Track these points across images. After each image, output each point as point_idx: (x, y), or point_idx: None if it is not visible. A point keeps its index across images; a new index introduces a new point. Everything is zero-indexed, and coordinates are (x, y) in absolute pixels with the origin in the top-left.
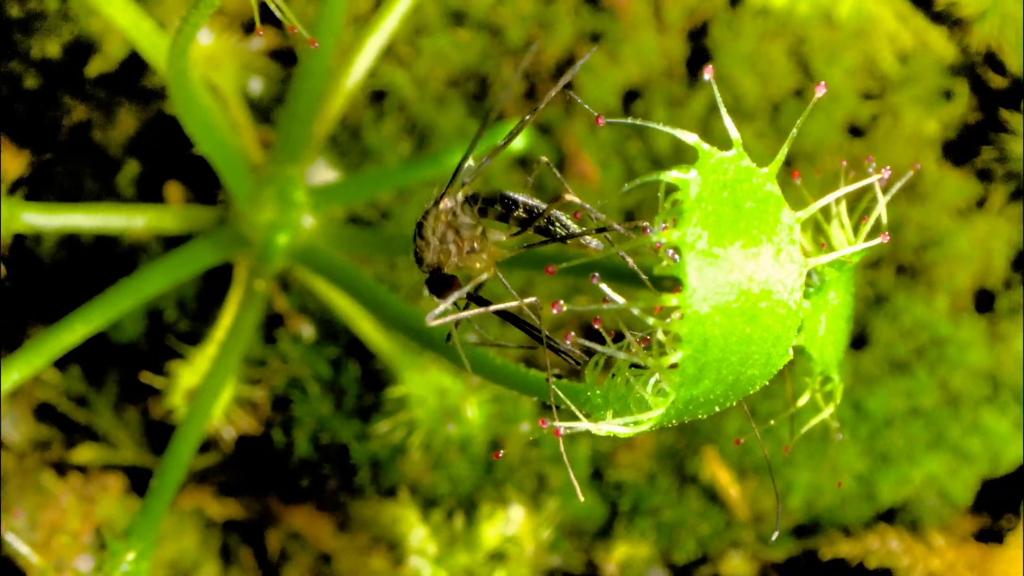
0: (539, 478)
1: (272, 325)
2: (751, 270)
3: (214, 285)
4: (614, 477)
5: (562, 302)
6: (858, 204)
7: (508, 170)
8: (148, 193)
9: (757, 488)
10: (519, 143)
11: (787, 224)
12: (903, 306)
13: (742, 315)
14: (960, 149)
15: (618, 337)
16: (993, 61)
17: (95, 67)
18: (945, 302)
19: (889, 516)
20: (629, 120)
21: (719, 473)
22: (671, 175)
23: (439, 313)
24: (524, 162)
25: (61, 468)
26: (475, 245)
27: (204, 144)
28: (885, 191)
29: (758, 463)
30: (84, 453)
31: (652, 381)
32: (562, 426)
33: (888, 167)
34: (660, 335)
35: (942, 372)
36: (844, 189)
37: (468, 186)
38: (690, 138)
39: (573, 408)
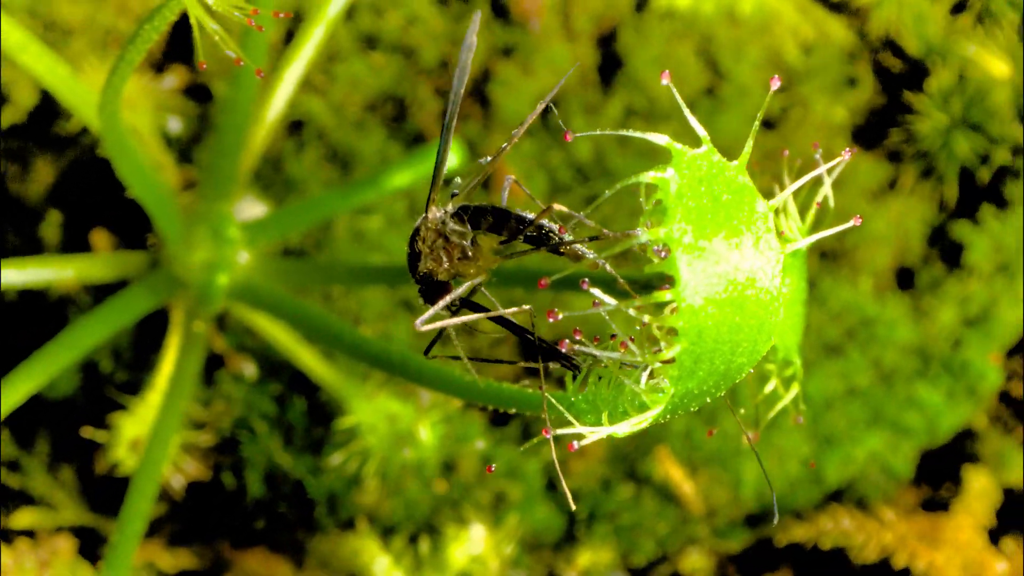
0: (496, 494)
1: (212, 366)
2: (736, 260)
3: (149, 331)
4: (569, 486)
5: (557, 310)
6: (794, 194)
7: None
8: (74, 243)
9: (709, 482)
10: (452, 160)
11: (762, 213)
12: (829, 290)
13: (731, 304)
14: (869, 133)
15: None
16: (892, 46)
17: (5, 117)
18: (869, 283)
19: (837, 497)
20: (610, 132)
21: (672, 471)
22: (650, 176)
23: (428, 318)
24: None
25: (6, 536)
26: (467, 252)
27: (136, 187)
28: (801, 178)
29: (708, 457)
30: (24, 518)
31: (645, 379)
32: (568, 431)
33: (818, 151)
34: (655, 332)
35: (874, 351)
36: (800, 181)
37: (457, 199)
38: (661, 140)
39: (569, 416)
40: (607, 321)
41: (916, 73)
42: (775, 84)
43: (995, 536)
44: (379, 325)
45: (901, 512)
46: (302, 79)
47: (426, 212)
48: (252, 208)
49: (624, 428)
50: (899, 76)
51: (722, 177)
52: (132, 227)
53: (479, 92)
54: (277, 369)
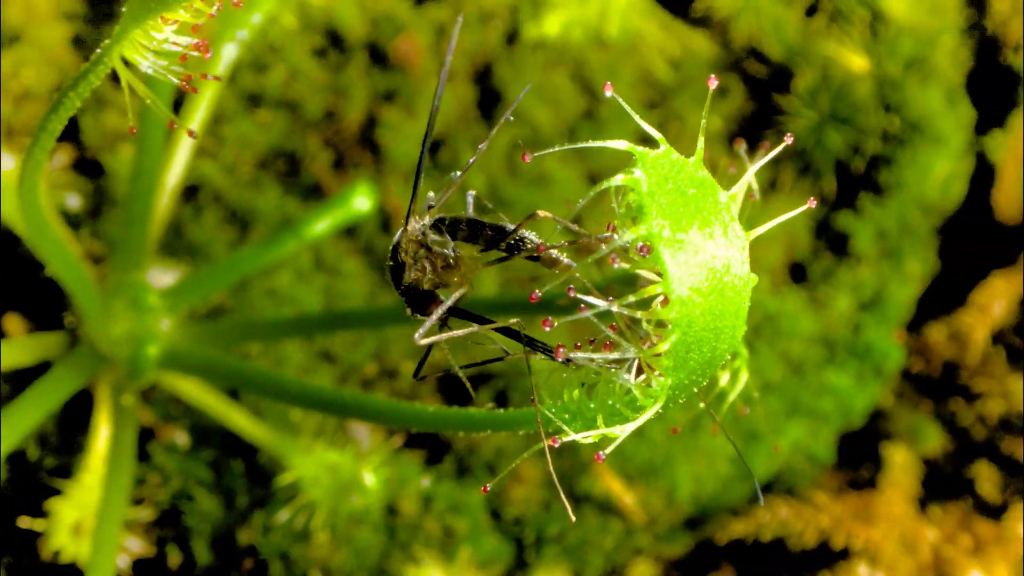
0: (443, 529)
1: (142, 440)
2: (712, 249)
3: (73, 412)
4: (512, 513)
5: (552, 318)
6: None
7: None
8: None
9: (645, 492)
10: (366, 205)
11: (724, 203)
12: None
13: (714, 292)
14: (745, 138)
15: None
16: (756, 53)
17: None
18: (766, 280)
19: (767, 489)
20: (568, 147)
21: (612, 483)
22: (619, 179)
23: (427, 330)
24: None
25: None
26: (449, 261)
27: (55, 264)
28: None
29: (640, 468)
30: None
31: (635, 378)
32: (580, 436)
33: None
34: (646, 327)
35: (781, 345)
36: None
37: (433, 210)
38: (621, 145)
39: (566, 428)
40: (596, 325)
41: (782, 76)
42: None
43: (922, 506)
44: (302, 379)
45: (833, 495)
46: (196, 143)
47: (405, 224)
48: (163, 276)
49: (629, 428)
50: (766, 81)
51: (684, 173)
52: (45, 308)
53: (367, 139)
54: (209, 435)
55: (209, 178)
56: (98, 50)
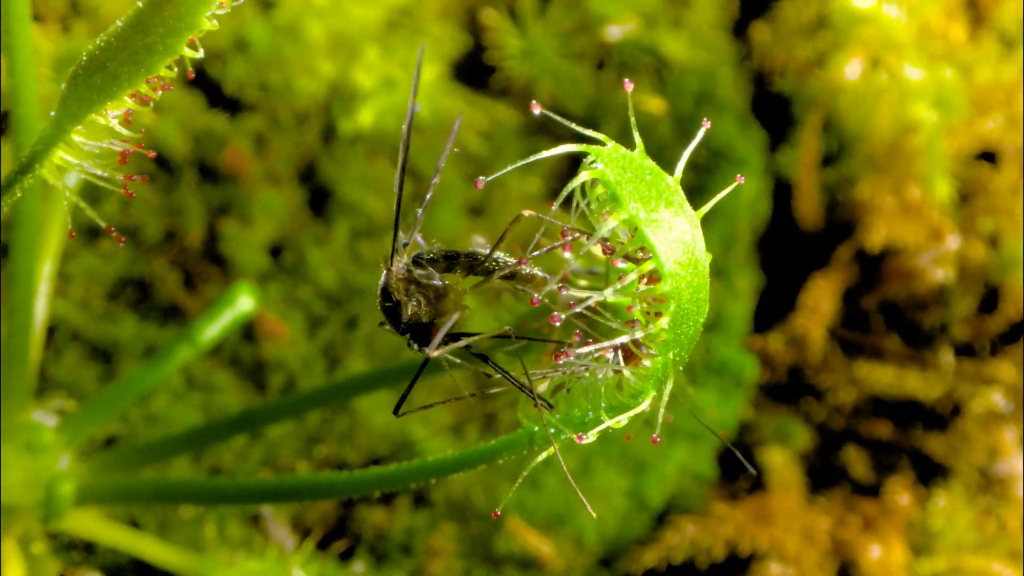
0: None
1: None
2: (681, 225)
3: None
4: None
5: (560, 313)
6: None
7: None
8: None
9: (556, 541)
10: (250, 304)
11: (674, 186)
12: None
13: (690, 265)
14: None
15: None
16: (560, 112)
17: None
18: None
19: (664, 515)
20: (519, 163)
21: (527, 536)
22: (585, 175)
23: (438, 344)
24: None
25: None
26: (439, 291)
27: None
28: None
29: (546, 518)
30: None
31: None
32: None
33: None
34: (639, 308)
35: None
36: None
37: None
38: (572, 148)
39: (564, 431)
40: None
41: (589, 128)
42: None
43: (809, 499)
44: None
45: (730, 504)
46: (53, 284)
47: (389, 266)
48: (45, 419)
49: (634, 412)
50: (574, 136)
51: (636, 163)
52: None
53: (211, 253)
54: (123, 571)
55: (64, 317)
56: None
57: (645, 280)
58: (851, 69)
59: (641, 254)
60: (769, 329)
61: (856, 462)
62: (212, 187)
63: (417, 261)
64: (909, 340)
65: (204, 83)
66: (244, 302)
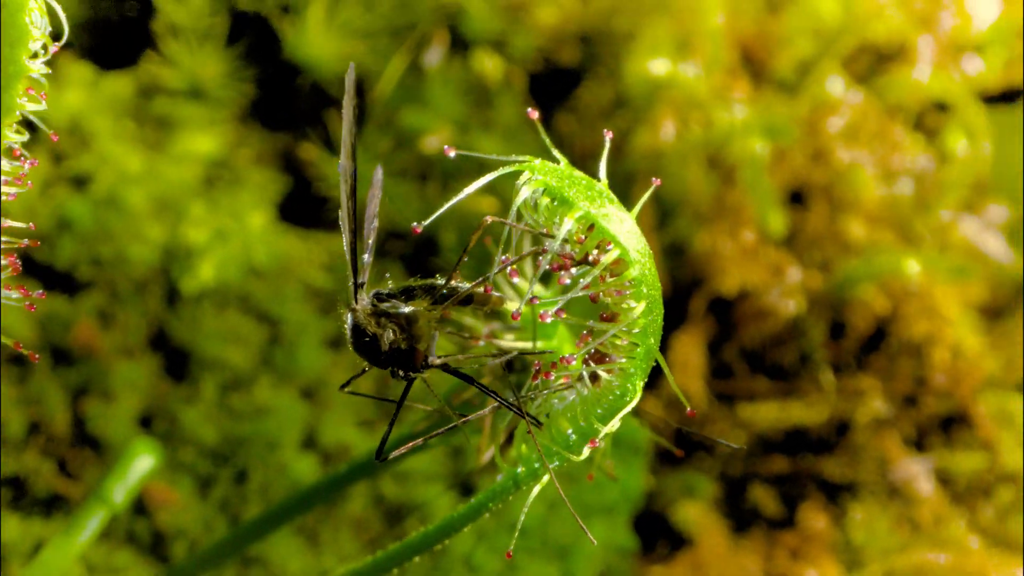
0: None
1: None
2: (627, 219)
3: None
4: None
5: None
6: None
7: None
8: None
9: None
10: (151, 462)
11: (606, 190)
12: None
13: (647, 255)
14: None
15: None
16: (393, 232)
17: None
18: None
19: None
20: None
21: None
22: (526, 193)
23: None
24: None
25: None
26: (410, 317)
27: None
28: None
29: None
30: None
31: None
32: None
33: None
34: (611, 300)
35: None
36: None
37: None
38: (502, 171)
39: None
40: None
41: (428, 239)
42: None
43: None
44: None
45: (665, 566)
46: None
47: (354, 304)
48: None
49: (626, 410)
50: (410, 256)
51: (567, 171)
52: None
53: (82, 436)
54: None
55: None
56: None
57: (609, 275)
58: (665, 131)
59: (597, 252)
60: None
61: (765, 500)
62: (68, 369)
63: (378, 296)
64: (777, 376)
65: (35, 269)
66: (145, 461)
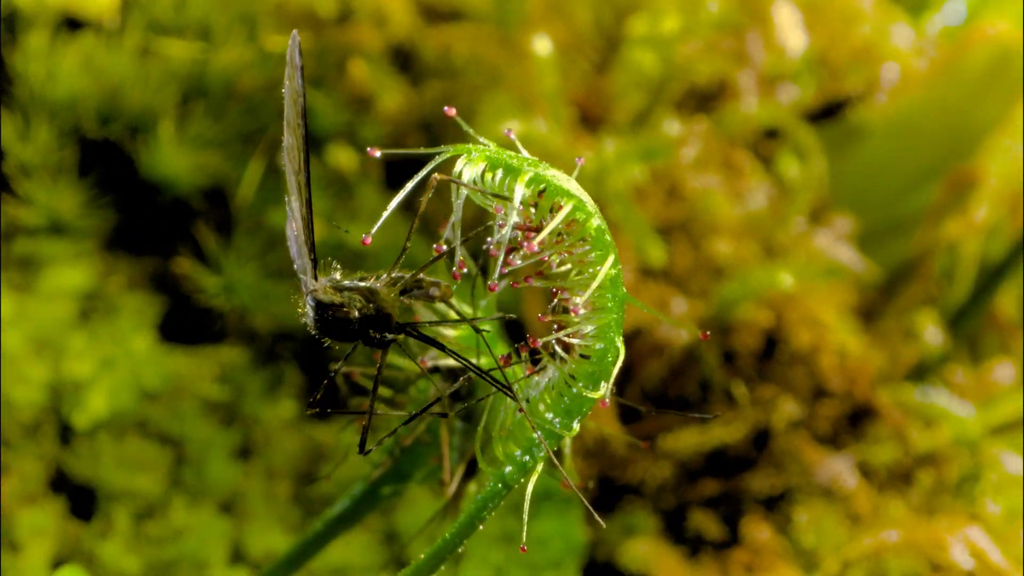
0: None
1: None
2: (572, 180)
3: None
4: None
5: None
6: None
7: None
8: None
9: None
10: None
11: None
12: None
13: (597, 211)
14: None
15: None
16: (282, 333)
17: None
18: None
19: None
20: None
21: None
22: (470, 168)
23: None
24: None
25: None
26: (370, 292)
27: None
28: None
29: None
30: None
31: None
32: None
33: None
34: (577, 254)
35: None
36: None
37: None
38: (441, 158)
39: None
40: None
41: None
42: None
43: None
44: None
45: None
46: None
47: (312, 288)
48: None
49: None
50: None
51: (501, 151)
52: None
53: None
54: None
55: None
56: None
57: (567, 234)
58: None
59: (553, 214)
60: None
61: (706, 524)
62: None
63: (332, 282)
64: (684, 408)
65: None
66: None
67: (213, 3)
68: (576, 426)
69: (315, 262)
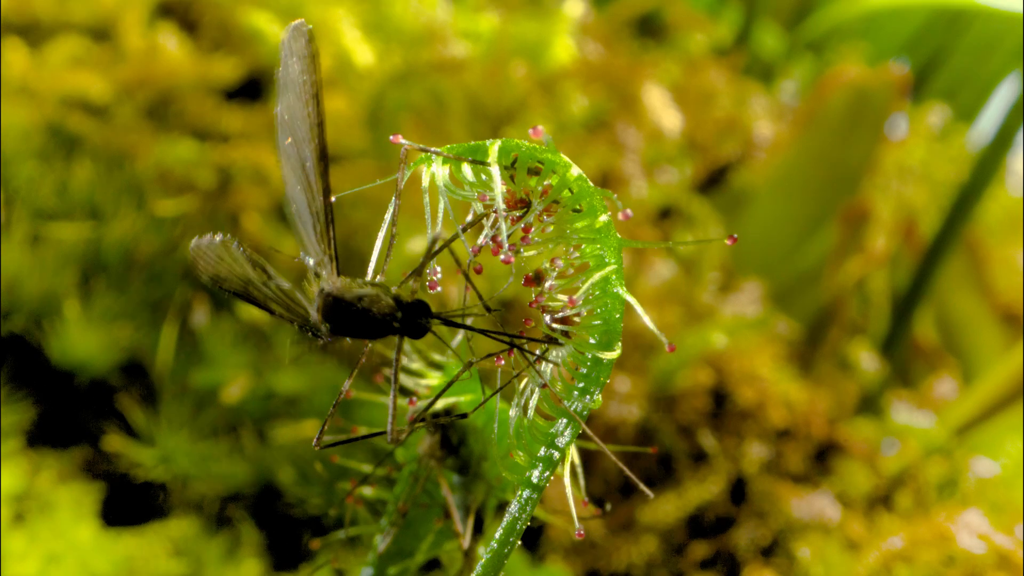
0: None
1: None
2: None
3: None
4: None
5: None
6: None
7: None
8: None
9: None
10: None
11: None
12: None
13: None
14: None
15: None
16: (230, 497)
17: None
18: None
19: None
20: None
21: None
22: (437, 164)
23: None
24: None
25: None
26: (385, 287)
27: None
28: None
29: None
30: None
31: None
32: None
33: None
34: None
35: None
36: None
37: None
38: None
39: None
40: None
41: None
42: None
43: None
44: None
45: None
46: None
47: (330, 286)
48: None
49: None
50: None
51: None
52: None
53: None
54: None
55: None
56: None
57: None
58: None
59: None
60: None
61: None
62: None
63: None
64: (648, 484)
65: None
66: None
67: (95, 181)
68: (599, 397)
69: (336, 258)
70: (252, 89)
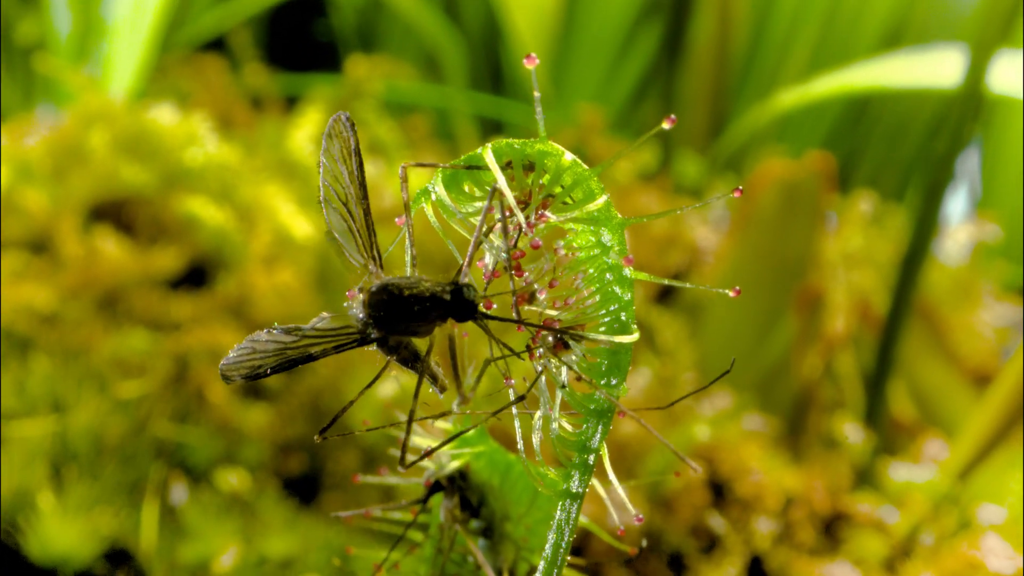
0: None
1: None
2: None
3: None
4: None
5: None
6: None
7: None
8: None
9: None
10: None
11: None
12: None
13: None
14: None
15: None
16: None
17: None
18: None
19: None
20: None
21: None
22: (434, 182)
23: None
24: None
25: None
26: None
27: None
28: None
29: None
30: None
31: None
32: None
33: None
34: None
35: None
36: None
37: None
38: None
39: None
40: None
41: None
42: None
43: None
44: None
45: None
46: None
47: (384, 281)
48: None
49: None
50: None
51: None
52: None
53: None
54: None
55: None
56: None
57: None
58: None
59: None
60: None
61: None
62: None
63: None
64: None
65: None
66: None
67: (53, 374)
68: (625, 385)
69: (380, 258)
70: (196, 276)
